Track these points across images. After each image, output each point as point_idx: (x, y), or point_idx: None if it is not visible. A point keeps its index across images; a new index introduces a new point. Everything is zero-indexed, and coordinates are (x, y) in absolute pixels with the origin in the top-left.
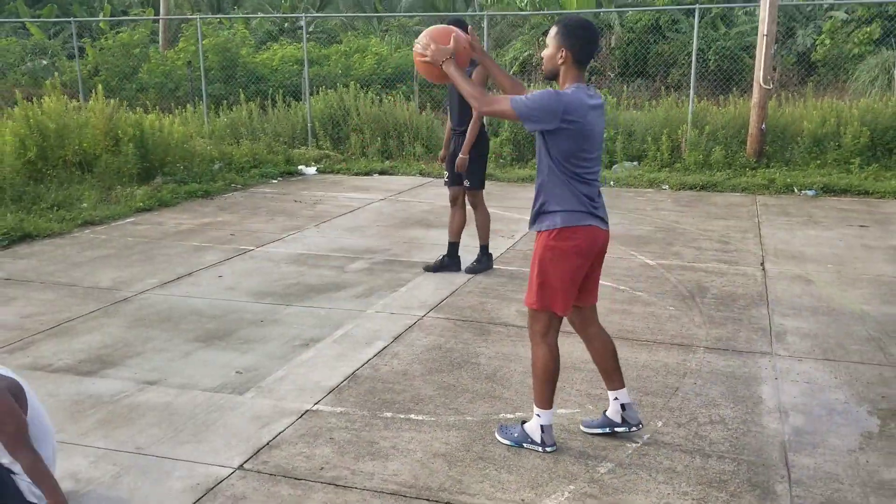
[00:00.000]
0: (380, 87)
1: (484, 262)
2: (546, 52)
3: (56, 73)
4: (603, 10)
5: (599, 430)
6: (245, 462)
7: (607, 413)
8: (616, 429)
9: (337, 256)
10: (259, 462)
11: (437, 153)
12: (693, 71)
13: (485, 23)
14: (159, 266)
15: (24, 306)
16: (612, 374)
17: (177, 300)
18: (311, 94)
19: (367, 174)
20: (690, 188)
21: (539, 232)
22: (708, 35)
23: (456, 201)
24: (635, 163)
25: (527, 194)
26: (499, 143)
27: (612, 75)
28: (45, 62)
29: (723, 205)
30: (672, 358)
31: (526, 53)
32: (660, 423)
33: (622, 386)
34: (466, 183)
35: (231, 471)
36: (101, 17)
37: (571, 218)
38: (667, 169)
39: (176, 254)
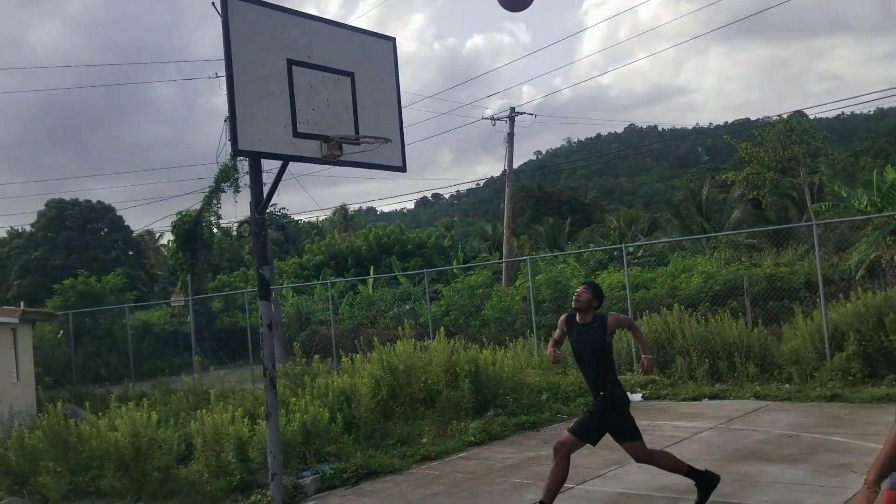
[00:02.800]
0: (708, 305)
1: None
2: None
3: (406, 320)
4: None
5: None
6: None
7: None
8: None
9: (659, 497)
10: None
11: (773, 373)
12: None
13: (817, 232)
14: None
15: None
16: None
17: None
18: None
19: (695, 399)
20: None
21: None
22: None
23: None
24: None
25: (885, 418)
26: (845, 357)
27: None
28: (407, 307)
29: None
30: None
31: (872, 255)
32: None
33: None
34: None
35: None
36: (452, 266)
37: None
38: None
39: (498, 492)
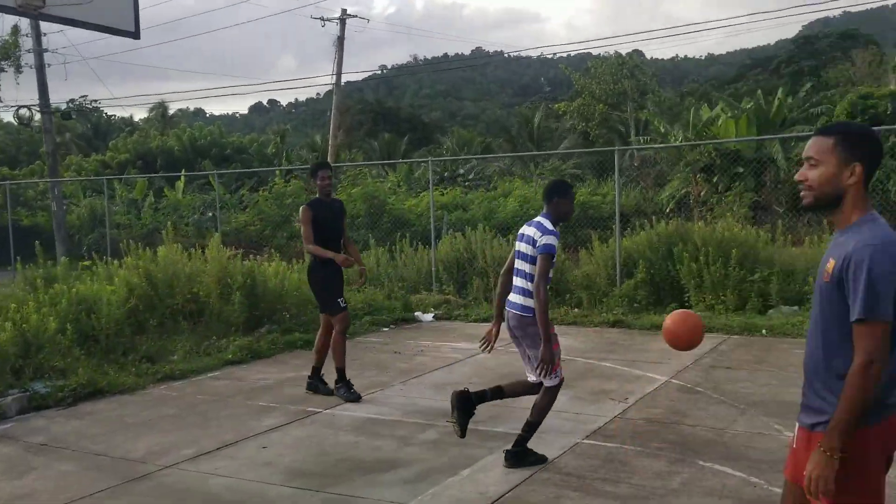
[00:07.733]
0: None
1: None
2: (818, 172)
3: (208, 228)
4: (766, 137)
5: None
6: None
7: None
8: None
9: (408, 423)
10: None
11: (565, 297)
12: None
13: (617, 158)
14: (209, 431)
15: (34, 480)
16: None
17: (199, 479)
18: (439, 237)
19: (485, 321)
20: None
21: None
22: (886, 165)
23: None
24: (795, 307)
25: (659, 345)
26: (633, 284)
27: (780, 210)
28: (210, 214)
29: None
30: None
31: (683, 191)
32: None
33: None
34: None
35: None
36: (269, 172)
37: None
38: None
39: (236, 415)
